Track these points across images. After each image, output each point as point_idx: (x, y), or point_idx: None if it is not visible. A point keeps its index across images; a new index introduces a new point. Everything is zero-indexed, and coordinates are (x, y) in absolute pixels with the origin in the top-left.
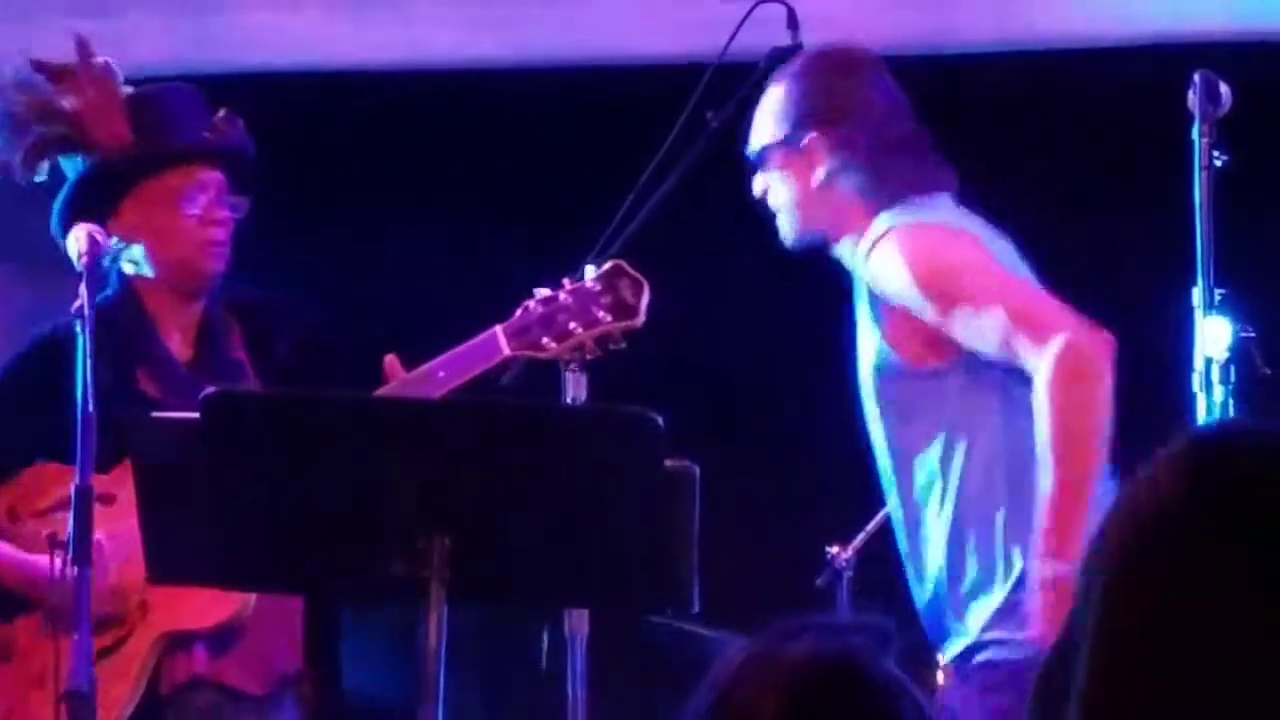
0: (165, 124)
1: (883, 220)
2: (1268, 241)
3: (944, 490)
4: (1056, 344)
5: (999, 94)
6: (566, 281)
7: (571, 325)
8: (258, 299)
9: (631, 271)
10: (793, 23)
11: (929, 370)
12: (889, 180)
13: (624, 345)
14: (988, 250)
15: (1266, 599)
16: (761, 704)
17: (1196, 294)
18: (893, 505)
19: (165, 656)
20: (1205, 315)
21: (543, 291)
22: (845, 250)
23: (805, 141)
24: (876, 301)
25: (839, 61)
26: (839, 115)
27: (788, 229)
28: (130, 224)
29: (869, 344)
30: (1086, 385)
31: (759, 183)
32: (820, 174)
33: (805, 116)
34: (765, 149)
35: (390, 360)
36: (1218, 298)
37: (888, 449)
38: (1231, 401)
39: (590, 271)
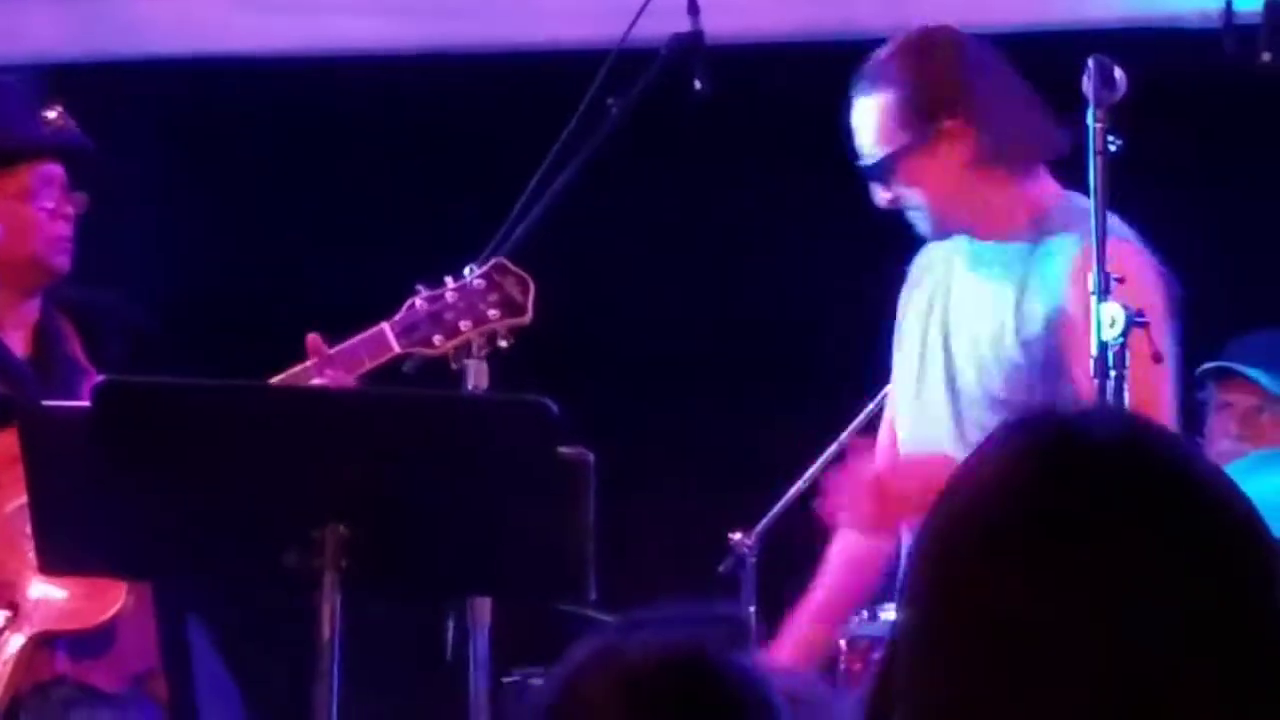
0: (5, 120)
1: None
2: (1161, 227)
3: None
4: None
5: None
6: (449, 280)
7: (461, 323)
8: (86, 298)
9: (515, 269)
10: (693, 9)
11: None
12: (1025, 147)
13: (511, 341)
14: (1173, 327)
15: (1110, 584)
16: (603, 698)
17: (1091, 279)
18: None
19: (30, 659)
20: (1100, 300)
21: (426, 290)
22: (991, 231)
23: (939, 131)
24: (1048, 285)
25: (934, 44)
26: (965, 93)
27: (929, 227)
28: None
29: (1007, 321)
30: None
31: (884, 193)
32: (964, 159)
33: (932, 106)
34: (893, 157)
35: (313, 338)
36: (1113, 283)
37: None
38: (1125, 387)
39: (469, 271)
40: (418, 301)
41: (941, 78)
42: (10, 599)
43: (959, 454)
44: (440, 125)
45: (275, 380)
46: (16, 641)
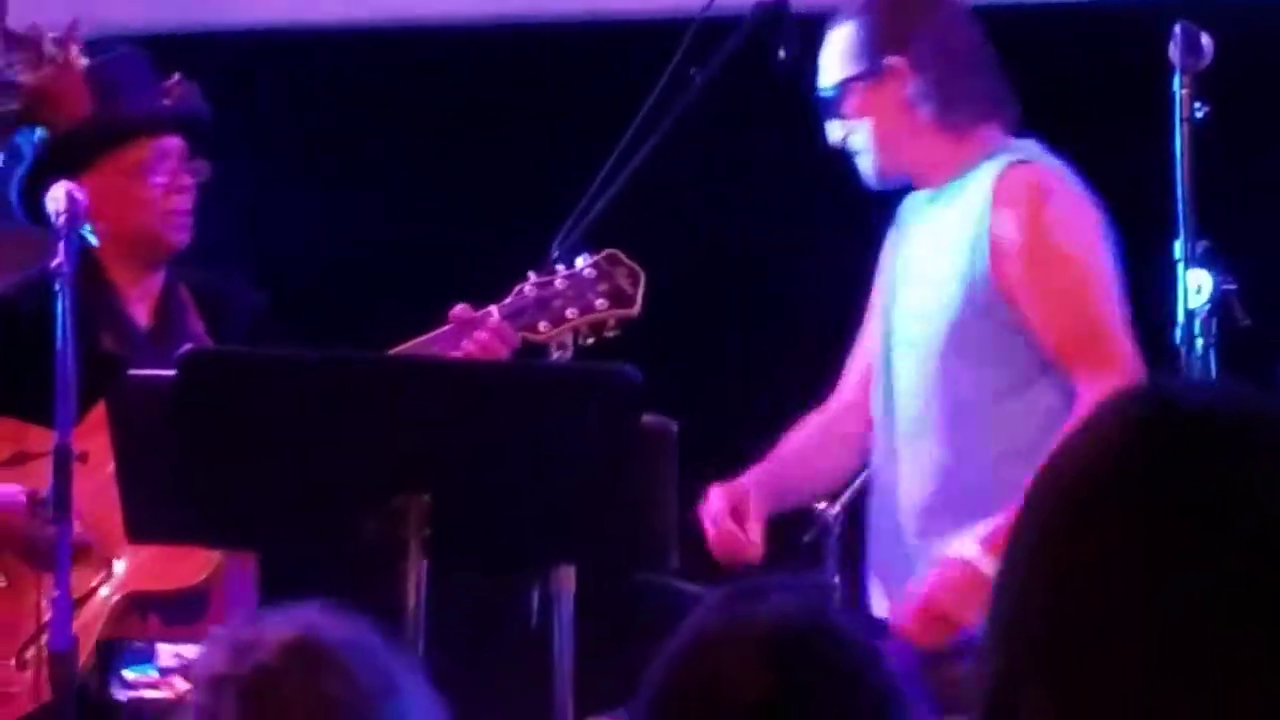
0: (124, 93)
1: (1016, 152)
2: (1249, 193)
3: (993, 445)
4: (1112, 383)
5: None
6: (560, 267)
7: (568, 311)
8: (209, 279)
9: (627, 260)
10: None
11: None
12: (967, 104)
13: (617, 333)
14: (1107, 247)
15: (1211, 555)
16: (741, 663)
17: (1178, 247)
18: (917, 453)
19: (121, 617)
20: (1187, 268)
21: (536, 276)
22: (931, 182)
23: (886, 67)
24: (986, 229)
25: None
26: (915, 37)
27: (871, 169)
28: (94, 195)
29: (949, 276)
30: None
31: (836, 128)
32: (905, 99)
33: (883, 42)
34: (843, 86)
35: (460, 308)
36: (1199, 250)
37: (942, 393)
38: (1212, 354)
39: (580, 260)
40: (526, 287)
41: (895, 17)
42: (108, 557)
43: (910, 423)
44: (524, 95)
45: (404, 346)
46: (107, 597)
